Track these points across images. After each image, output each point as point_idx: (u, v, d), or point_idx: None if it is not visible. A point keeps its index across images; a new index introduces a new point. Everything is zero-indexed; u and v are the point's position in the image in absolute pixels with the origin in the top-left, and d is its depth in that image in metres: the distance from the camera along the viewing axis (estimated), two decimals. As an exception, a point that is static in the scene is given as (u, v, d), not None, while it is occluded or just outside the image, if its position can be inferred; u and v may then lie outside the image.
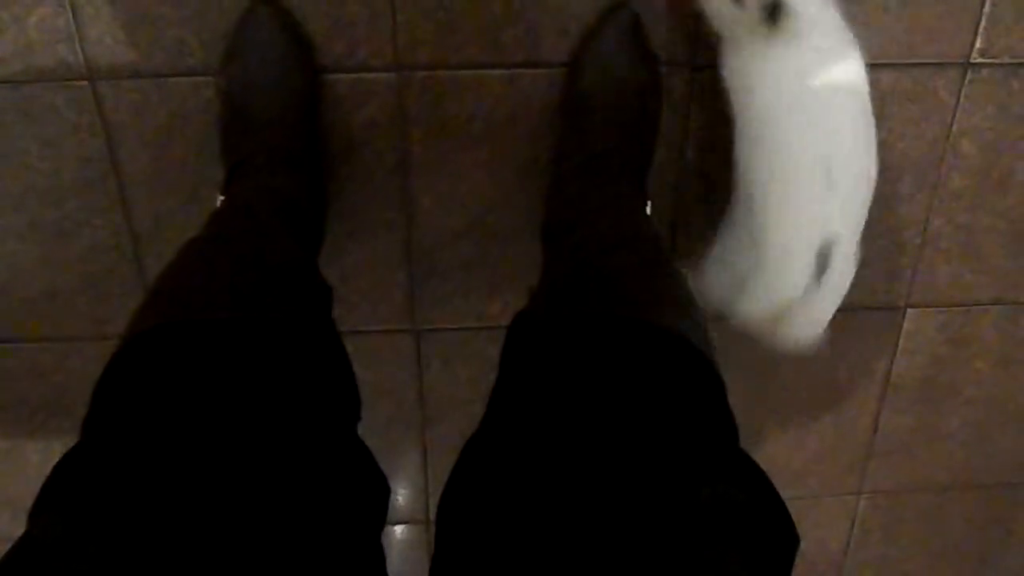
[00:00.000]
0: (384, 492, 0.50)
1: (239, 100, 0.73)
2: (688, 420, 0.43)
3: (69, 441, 1.03)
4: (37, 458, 1.00)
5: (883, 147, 0.86)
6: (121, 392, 0.44)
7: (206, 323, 0.46)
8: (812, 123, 0.66)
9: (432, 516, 1.08)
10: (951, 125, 0.85)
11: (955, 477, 1.13)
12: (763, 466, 1.18)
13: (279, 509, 0.40)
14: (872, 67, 0.81)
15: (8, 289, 0.88)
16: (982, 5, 0.79)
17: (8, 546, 0.40)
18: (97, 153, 0.80)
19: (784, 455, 1.08)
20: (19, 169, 0.80)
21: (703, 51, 0.79)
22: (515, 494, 0.41)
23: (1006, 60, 0.82)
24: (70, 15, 0.74)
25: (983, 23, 0.80)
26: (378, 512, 0.49)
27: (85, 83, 0.77)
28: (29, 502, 0.43)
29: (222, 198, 0.69)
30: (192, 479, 0.39)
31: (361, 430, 0.58)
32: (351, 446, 0.50)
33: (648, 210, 0.72)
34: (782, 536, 0.41)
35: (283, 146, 0.71)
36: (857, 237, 0.70)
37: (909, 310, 0.97)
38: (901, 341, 1.00)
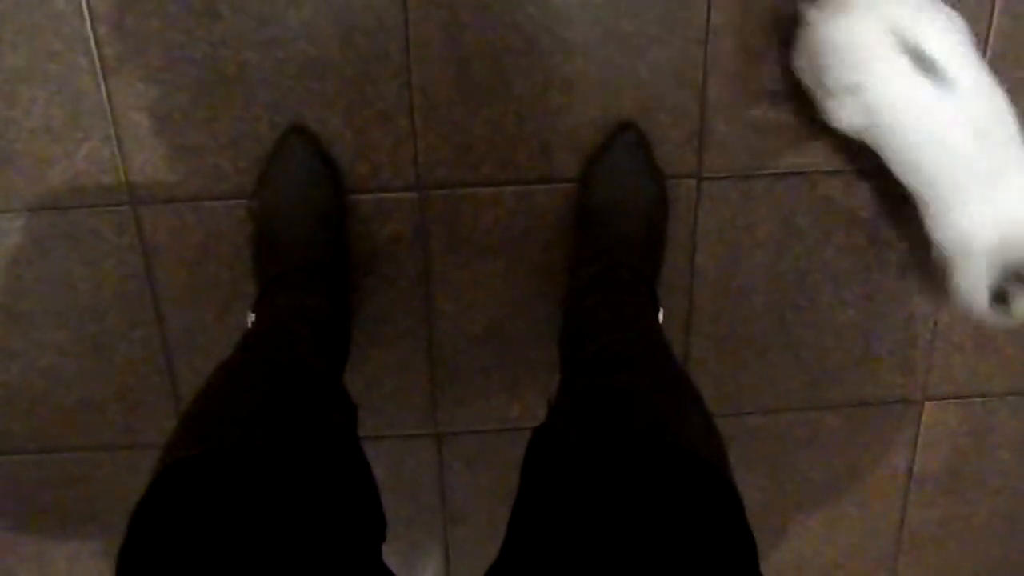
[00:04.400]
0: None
1: (271, 222, 0.77)
2: (708, 546, 0.44)
3: (96, 548, 1.04)
4: (64, 565, 1.01)
5: (889, 247, 0.88)
6: (155, 522, 0.46)
7: (236, 453, 0.49)
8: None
9: (455, 620, 1.06)
10: (953, 223, 0.88)
11: (989, 569, 1.10)
12: (791, 562, 1.15)
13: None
14: (874, 172, 0.85)
15: (45, 400, 0.91)
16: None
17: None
18: (135, 272, 0.85)
19: (812, 551, 1.07)
20: (62, 288, 0.85)
21: (708, 163, 0.83)
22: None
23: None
24: (115, 147, 0.80)
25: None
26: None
27: (127, 207, 0.82)
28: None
29: (253, 315, 0.73)
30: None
31: (385, 541, 0.59)
32: (375, 570, 0.51)
33: (660, 317, 0.75)
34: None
35: (312, 265, 0.75)
36: None
37: (927, 403, 0.98)
38: (921, 434, 1.00)
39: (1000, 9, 0.78)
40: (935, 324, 0.93)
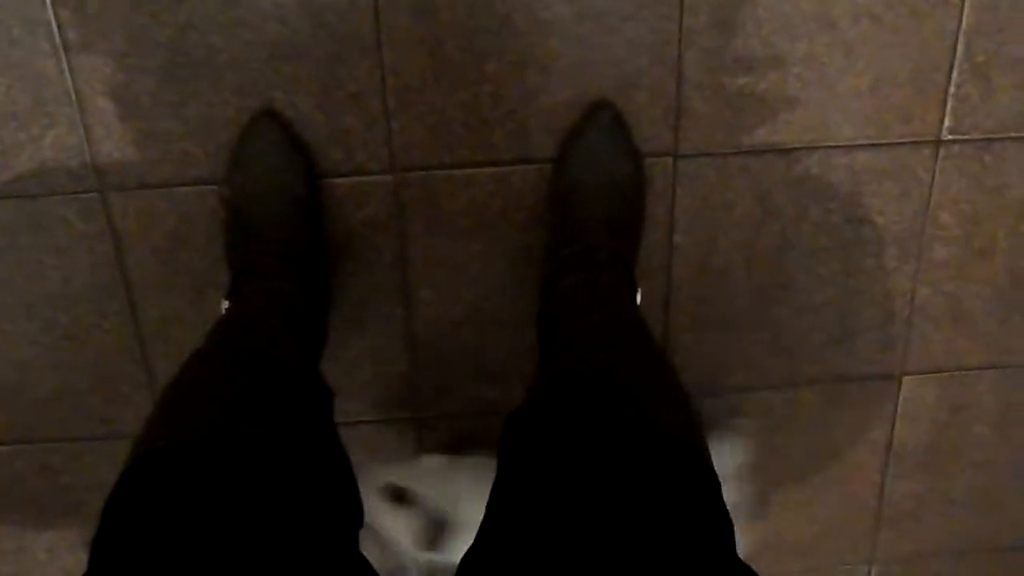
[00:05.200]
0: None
1: (243, 207, 0.76)
2: (685, 527, 0.44)
3: (75, 540, 1.03)
4: (44, 557, 1.00)
5: (864, 222, 0.89)
6: (127, 514, 0.46)
7: (209, 442, 0.48)
8: None
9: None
10: (929, 199, 0.88)
11: (968, 542, 1.12)
12: (771, 539, 1.17)
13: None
14: (849, 148, 0.85)
15: (20, 391, 0.90)
16: (947, 86, 0.83)
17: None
18: (106, 260, 0.83)
19: (792, 527, 1.08)
20: (32, 277, 0.84)
21: (684, 141, 0.82)
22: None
23: (976, 136, 0.86)
24: (82, 133, 0.78)
25: (950, 103, 0.84)
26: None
27: (95, 194, 0.81)
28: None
29: (226, 303, 0.72)
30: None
31: (364, 524, 0.59)
32: (351, 558, 0.51)
33: (638, 298, 0.75)
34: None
35: (286, 251, 0.74)
36: None
37: (905, 378, 0.98)
38: (900, 408, 1.00)
39: (974, -18, 0.78)
40: (912, 300, 0.93)
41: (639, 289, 0.77)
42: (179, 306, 0.85)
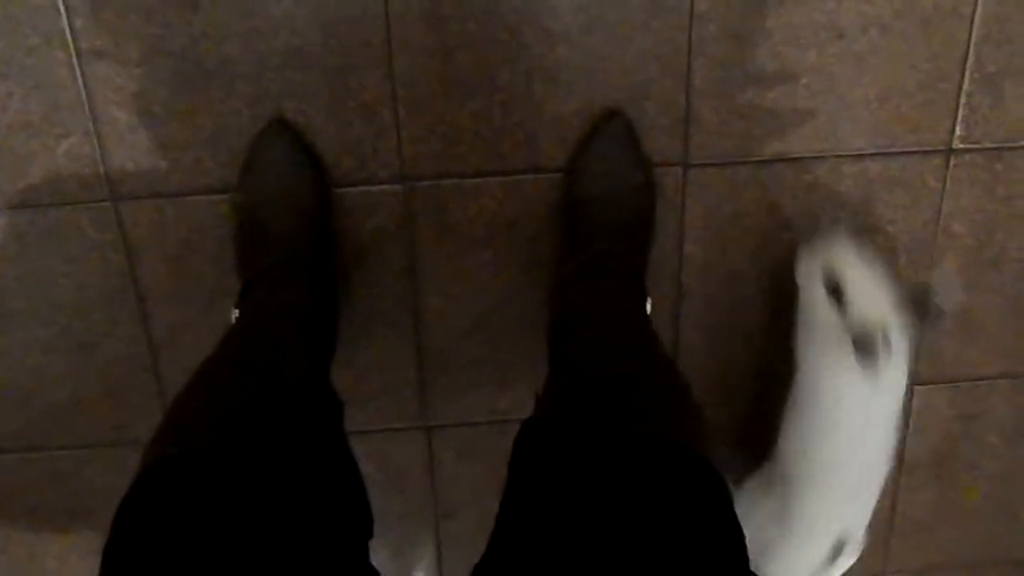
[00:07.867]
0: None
1: (254, 216, 0.77)
2: (696, 538, 0.44)
3: (86, 547, 1.04)
4: (54, 564, 1.01)
5: (875, 231, 0.88)
6: (139, 520, 0.46)
7: (218, 450, 0.48)
8: (863, 437, 0.76)
9: (449, 612, 1.06)
10: (940, 208, 0.88)
11: (982, 553, 1.11)
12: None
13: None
14: (859, 157, 0.85)
15: (32, 399, 0.90)
16: (958, 96, 0.83)
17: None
18: (118, 269, 0.84)
19: (803, 537, 1.07)
20: (46, 286, 0.84)
21: (694, 150, 0.82)
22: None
23: (987, 145, 0.85)
24: (95, 142, 0.79)
25: (961, 112, 0.84)
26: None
27: (108, 204, 0.81)
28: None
29: (237, 311, 0.72)
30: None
31: (375, 533, 0.59)
32: (361, 568, 0.51)
33: (648, 307, 0.75)
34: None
35: (296, 260, 0.75)
36: (864, 531, 0.78)
37: (917, 388, 0.98)
38: (912, 419, 1.00)
39: (985, -8, 0.78)
40: (923, 309, 0.93)
41: (649, 298, 0.77)
42: (190, 314, 0.86)
